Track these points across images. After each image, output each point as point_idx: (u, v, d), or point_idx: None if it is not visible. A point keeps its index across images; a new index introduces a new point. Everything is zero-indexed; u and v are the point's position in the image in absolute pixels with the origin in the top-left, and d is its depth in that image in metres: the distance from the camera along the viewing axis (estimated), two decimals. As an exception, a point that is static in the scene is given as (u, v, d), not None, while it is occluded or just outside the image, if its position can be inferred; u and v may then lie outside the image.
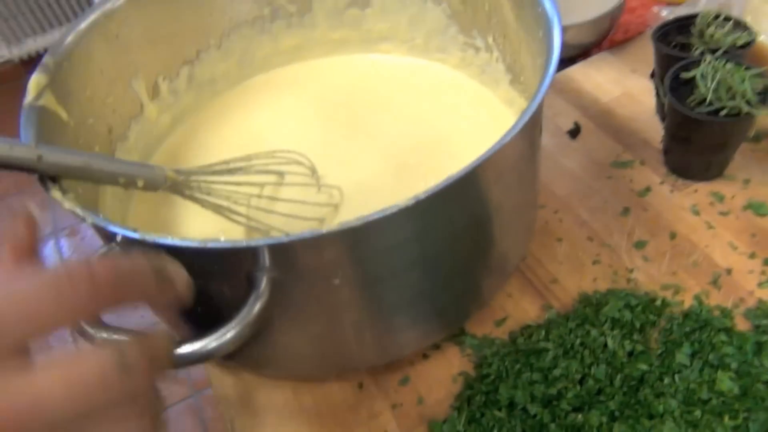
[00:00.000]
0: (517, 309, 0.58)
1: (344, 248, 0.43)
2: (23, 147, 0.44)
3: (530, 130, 0.49)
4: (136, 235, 0.42)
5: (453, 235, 0.48)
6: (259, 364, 0.56)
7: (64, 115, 0.57)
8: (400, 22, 0.74)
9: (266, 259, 0.42)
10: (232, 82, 0.77)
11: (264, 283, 0.43)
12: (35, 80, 0.55)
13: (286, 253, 0.42)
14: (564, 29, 0.50)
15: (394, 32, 0.76)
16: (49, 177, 0.46)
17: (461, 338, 0.57)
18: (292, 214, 0.60)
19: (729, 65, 0.59)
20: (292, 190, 0.63)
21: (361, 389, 0.56)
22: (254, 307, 0.42)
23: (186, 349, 0.41)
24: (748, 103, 0.56)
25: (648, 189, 0.65)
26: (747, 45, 0.63)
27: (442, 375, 0.55)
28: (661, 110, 0.70)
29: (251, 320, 0.42)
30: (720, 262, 0.59)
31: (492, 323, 0.58)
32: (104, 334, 0.41)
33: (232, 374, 0.59)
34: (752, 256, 0.58)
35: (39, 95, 0.54)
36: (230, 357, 0.57)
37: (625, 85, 0.76)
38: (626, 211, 0.64)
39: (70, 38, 0.60)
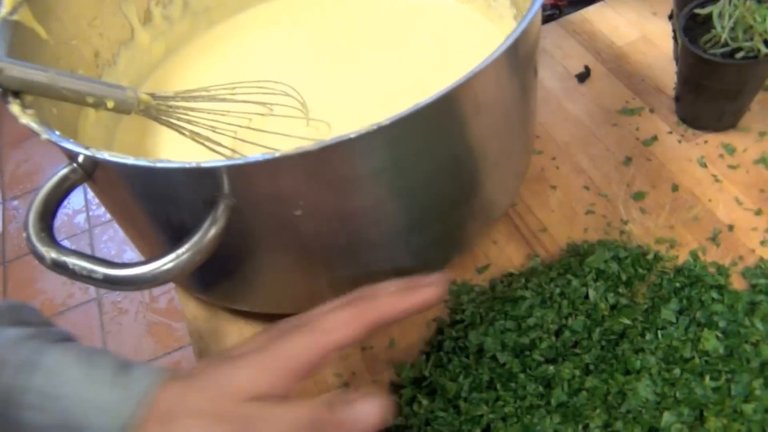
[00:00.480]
0: (501, 257, 0.56)
1: (303, 175, 0.41)
2: (-18, 58, 0.43)
3: (514, 62, 0.45)
4: (87, 152, 0.40)
5: (429, 172, 0.45)
6: (231, 299, 0.55)
7: (42, 32, 0.55)
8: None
9: (221, 183, 0.40)
10: (229, 12, 0.75)
11: (220, 210, 0.41)
12: (11, -8, 0.54)
13: (241, 177, 0.40)
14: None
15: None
16: (11, 91, 0.45)
17: (439, 283, 0.55)
18: (277, 148, 0.58)
19: (749, 2, 0.54)
20: (279, 123, 0.61)
21: (333, 328, 0.54)
22: (208, 232, 0.40)
23: (139, 270, 0.40)
24: (766, 43, 0.52)
25: (654, 138, 0.61)
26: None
27: (417, 319, 0.54)
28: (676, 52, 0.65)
29: (204, 246, 0.40)
30: (722, 218, 0.55)
31: (474, 270, 0.55)
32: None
33: (206, 309, 0.58)
34: (758, 212, 0.55)
35: (14, 9, 0.53)
36: (204, 290, 0.56)
37: (644, 29, 0.71)
38: (628, 160, 0.60)
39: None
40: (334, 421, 0.34)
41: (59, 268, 0.41)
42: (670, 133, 0.61)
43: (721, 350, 0.46)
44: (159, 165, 0.39)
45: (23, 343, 0.36)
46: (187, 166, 0.39)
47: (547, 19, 0.76)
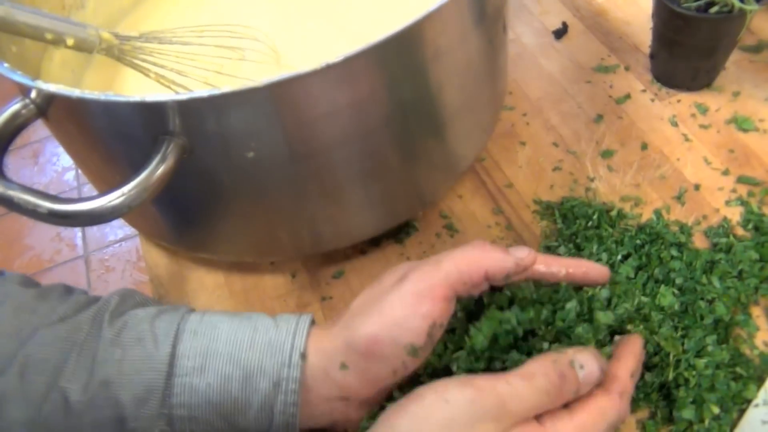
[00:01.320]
0: (465, 211, 0.55)
1: (253, 115, 0.40)
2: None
3: (478, 10, 0.44)
4: (34, 84, 0.39)
5: (387, 116, 0.45)
6: (191, 246, 0.55)
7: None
8: None
9: (169, 119, 0.39)
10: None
11: (170, 147, 0.40)
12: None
13: (188, 113, 0.39)
14: None
15: None
16: (-39, 24, 0.44)
17: (401, 236, 0.55)
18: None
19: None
20: (251, 69, 0.60)
21: (293, 279, 0.54)
22: (156, 170, 0.40)
23: (85, 206, 0.39)
24: (741, -3, 0.51)
25: (627, 96, 0.60)
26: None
27: (378, 271, 0.53)
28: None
29: (152, 184, 0.40)
30: (689, 177, 0.54)
31: (439, 225, 0.55)
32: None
33: (167, 256, 0.57)
34: (725, 172, 0.54)
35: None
36: (166, 237, 0.56)
37: (625, -15, 0.69)
38: (599, 118, 0.59)
39: None
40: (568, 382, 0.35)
41: (4, 202, 0.40)
42: (644, 91, 0.61)
43: (677, 306, 0.46)
44: (104, 98, 0.38)
45: (164, 316, 0.40)
46: (132, 100, 0.38)
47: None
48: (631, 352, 0.39)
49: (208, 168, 0.44)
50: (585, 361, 0.35)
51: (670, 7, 0.53)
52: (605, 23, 0.67)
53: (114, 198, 0.39)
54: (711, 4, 0.52)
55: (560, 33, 0.66)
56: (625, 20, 0.66)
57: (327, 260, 0.55)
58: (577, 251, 0.50)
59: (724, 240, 0.50)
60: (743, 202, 0.52)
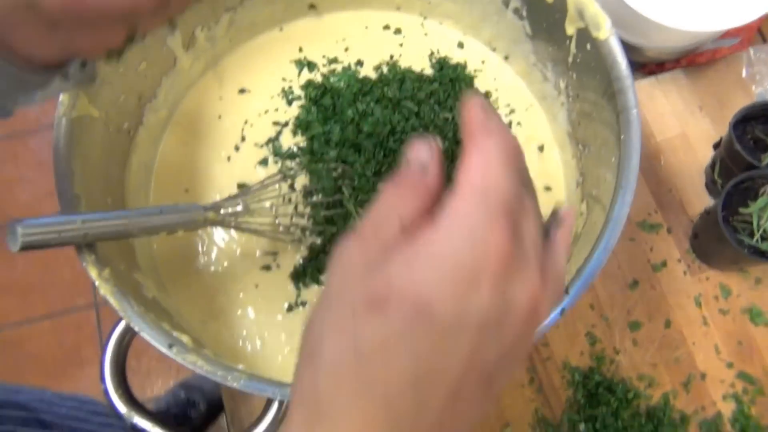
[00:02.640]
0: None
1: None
2: (69, 226, 0.44)
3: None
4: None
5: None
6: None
7: (95, 112, 0.54)
8: (471, 14, 0.66)
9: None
10: (275, 23, 0.70)
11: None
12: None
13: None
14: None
15: (459, 17, 0.68)
16: (86, 245, 0.47)
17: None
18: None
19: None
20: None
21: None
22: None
23: None
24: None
25: (664, 264, 0.66)
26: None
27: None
28: (712, 185, 0.67)
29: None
30: (699, 365, 0.63)
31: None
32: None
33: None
34: (730, 365, 0.63)
35: (73, 104, 0.51)
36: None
37: (687, 124, 0.71)
38: (635, 284, 0.66)
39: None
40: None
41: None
42: (679, 261, 0.67)
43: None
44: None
45: None
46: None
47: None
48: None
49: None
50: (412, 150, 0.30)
51: (728, 237, 0.57)
52: (659, 169, 0.70)
53: None
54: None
55: (616, 173, 0.69)
56: (679, 168, 0.70)
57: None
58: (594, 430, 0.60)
59: (711, 437, 0.60)
60: (737, 399, 0.62)
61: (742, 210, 0.58)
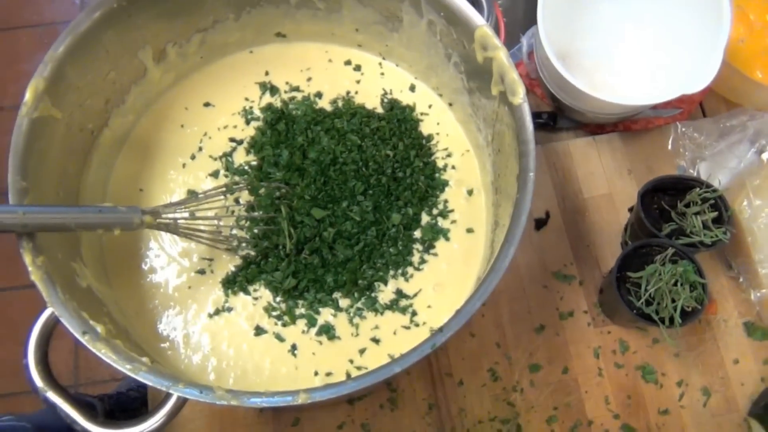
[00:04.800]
0: (408, 388, 0.69)
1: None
2: (10, 215, 0.50)
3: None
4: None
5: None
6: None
7: (57, 114, 0.60)
8: (421, 61, 0.72)
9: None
10: (246, 45, 0.76)
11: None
12: (33, 85, 0.57)
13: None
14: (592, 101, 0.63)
15: (412, 61, 0.74)
16: (26, 234, 0.53)
17: (353, 399, 0.68)
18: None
19: (680, 268, 0.61)
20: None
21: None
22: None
23: None
24: (671, 320, 0.61)
25: (571, 314, 0.71)
26: (715, 244, 0.64)
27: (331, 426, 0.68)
28: (624, 245, 0.72)
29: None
30: (588, 413, 0.68)
31: (384, 396, 0.68)
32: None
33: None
34: (616, 417, 0.68)
35: (35, 106, 0.57)
36: None
37: (614, 185, 0.76)
38: (541, 328, 0.71)
39: (81, 27, 0.59)
40: None
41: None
42: (586, 312, 0.71)
43: None
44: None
45: None
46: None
47: (541, 126, 0.80)
48: None
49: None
50: None
51: (619, 296, 0.62)
52: (582, 223, 0.75)
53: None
54: (653, 306, 0.62)
55: (540, 224, 0.75)
56: (600, 226, 0.75)
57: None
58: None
59: (588, 482, 0.65)
60: (617, 448, 0.67)
61: (631, 275, 0.63)
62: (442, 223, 0.69)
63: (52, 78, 0.58)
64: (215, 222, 0.66)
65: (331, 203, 0.68)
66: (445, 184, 0.71)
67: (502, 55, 0.59)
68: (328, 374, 0.64)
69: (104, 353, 0.50)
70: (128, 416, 0.74)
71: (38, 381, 0.52)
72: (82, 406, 0.52)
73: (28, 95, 0.57)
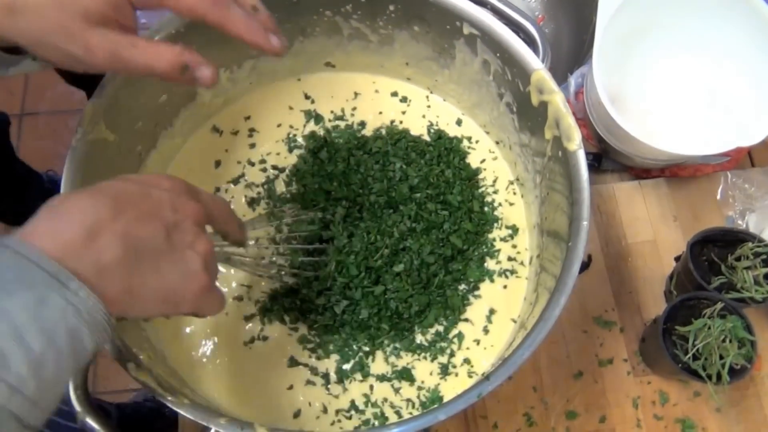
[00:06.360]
0: (441, 429, 0.68)
1: None
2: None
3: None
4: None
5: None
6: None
7: (110, 136, 0.60)
8: (470, 98, 0.71)
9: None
10: (295, 74, 0.76)
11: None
12: (90, 108, 0.57)
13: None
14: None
15: (460, 97, 0.73)
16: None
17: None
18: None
19: (729, 324, 0.60)
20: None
21: None
22: None
23: None
24: (718, 376, 0.59)
25: (610, 361, 0.70)
26: (765, 300, 0.62)
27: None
28: (669, 294, 0.71)
29: None
30: (623, 464, 0.66)
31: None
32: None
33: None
34: (652, 470, 0.66)
35: (91, 128, 0.57)
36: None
37: (659, 231, 0.75)
38: (579, 375, 0.69)
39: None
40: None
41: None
42: (626, 360, 0.70)
43: None
44: None
45: None
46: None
47: (585, 166, 0.79)
48: None
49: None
50: None
51: (667, 350, 0.61)
52: (624, 270, 0.74)
53: None
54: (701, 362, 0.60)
55: (583, 267, 0.73)
56: (643, 273, 0.73)
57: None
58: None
59: None
60: (654, 504, 0.65)
61: (679, 328, 0.61)
62: (488, 263, 0.68)
63: (108, 101, 0.58)
64: (257, 250, 0.66)
65: (379, 235, 0.67)
66: (495, 220, 0.70)
67: (558, 100, 0.58)
68: (360, 411, 0.63)
69: (147, 383, 0.50)
70: (144, 427, 0.72)
71: (77, 405, 0.52)
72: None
73: (85, 117, 0.57)
